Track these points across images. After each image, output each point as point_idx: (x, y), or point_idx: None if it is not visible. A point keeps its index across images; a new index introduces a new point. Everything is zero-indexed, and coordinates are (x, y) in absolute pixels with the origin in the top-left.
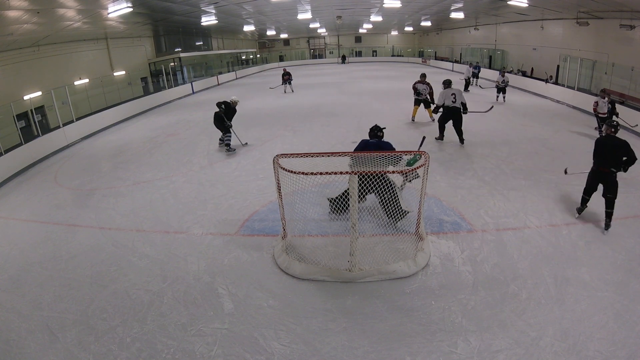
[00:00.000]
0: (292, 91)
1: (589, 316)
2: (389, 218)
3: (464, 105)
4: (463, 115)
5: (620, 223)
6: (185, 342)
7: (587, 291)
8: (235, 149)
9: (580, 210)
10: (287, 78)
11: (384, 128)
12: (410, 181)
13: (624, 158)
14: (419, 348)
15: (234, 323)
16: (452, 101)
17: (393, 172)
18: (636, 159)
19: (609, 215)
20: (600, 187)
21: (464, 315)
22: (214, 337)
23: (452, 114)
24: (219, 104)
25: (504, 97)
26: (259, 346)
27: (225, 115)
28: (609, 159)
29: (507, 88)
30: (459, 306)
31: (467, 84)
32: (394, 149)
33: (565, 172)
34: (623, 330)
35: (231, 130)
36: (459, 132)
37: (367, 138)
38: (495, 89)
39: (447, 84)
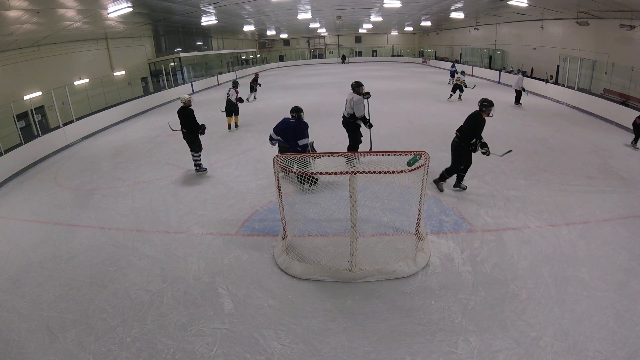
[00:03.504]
0: (255, 99)
1: (589, 316)
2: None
3: (360, 119)
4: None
5: (620, 223)
6: (185, 342)
7: (587, 291)
8: (206, 169)
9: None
10: (254, 85)
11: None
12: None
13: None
14: (419, 348)
15: (234, 323)
16: (344, 108)
17: (393, 172)
18: (465, 135)
19: (441, 176)
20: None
21: (464, 315)
22: (214, 337)
23: (344, 124)
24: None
25: (460, 97)
26: (259, 346)
27: (188, 124)
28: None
29: (466, 88)
30: (459, 306)
31: (518, 96)
32: (306, 129)
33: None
34: (623, 330)
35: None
36: (347, 147)
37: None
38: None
39: (351, 86)
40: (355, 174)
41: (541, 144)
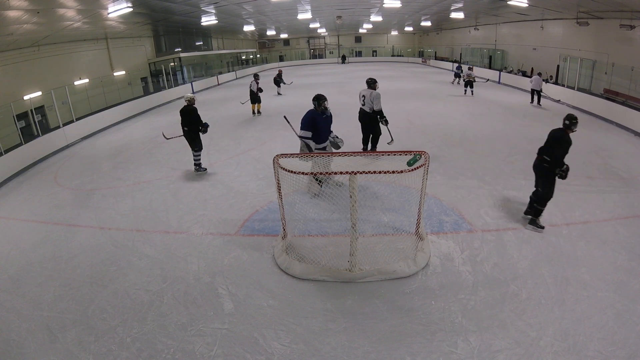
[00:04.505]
0: (279, 94)
1: (589, 316)
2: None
3: (377, 112)
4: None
5: (620, 223)
6: (185, 342)
7: (587, 291)
8: (206, 169)
9: (525, 210)
10: (279, 79)
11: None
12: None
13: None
14: (419, 348)
15: (234, 323)
16: (362, 103)
17: (393, 172)
18: (553, 157)
19: (535, 211)
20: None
21: (464, 315)
22: (214, 337)
23: (361, 117)
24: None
25: (472, 91)
26: (259, 346)
27: (191, 122)
28: (543, 147)
29: (475, 83)
30: (459, 306)
31: (538, 96)
32: (305, 121)
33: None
34: (623, 330)
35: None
36: (371, 142)
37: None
38: (464, 83)
39: (366, 82)
40: (355, 173)
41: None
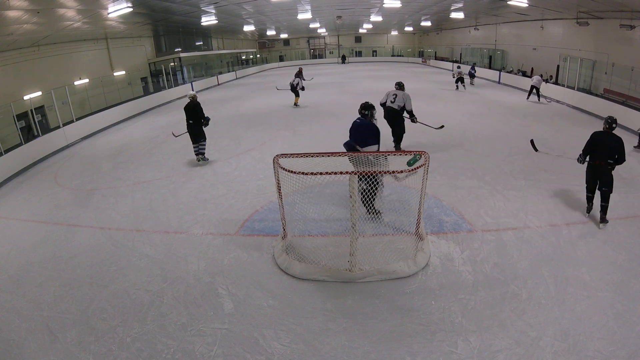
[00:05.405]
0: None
1: (589, 316)
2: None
3: (408, 112)
4: (411, 123)
5: (620, 223)
6: (185, 342)
7: (587, 291)
8: (208, 159)
9: (588, 209)
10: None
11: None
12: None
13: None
14: (419, 348)
15: (234, 323)
16: (391, 101)
17: (393, 172)
18: (624, 160)
19: (604, 209)
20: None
21: (464, 315)
22: (214, 337)
23: (387, 114)
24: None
25: (464, 86)
26: (259, 346)
27: (195, 116)
28: (604, 153)
29: (466, 78)
30: (459, 306)
31: (537, 93)
32: (375, 130)
33: (535, 148)
34: (623, 330)
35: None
36: (395, 138)
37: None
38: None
39: (396, 85)
40: (355, 174)
41: (541, 144)
